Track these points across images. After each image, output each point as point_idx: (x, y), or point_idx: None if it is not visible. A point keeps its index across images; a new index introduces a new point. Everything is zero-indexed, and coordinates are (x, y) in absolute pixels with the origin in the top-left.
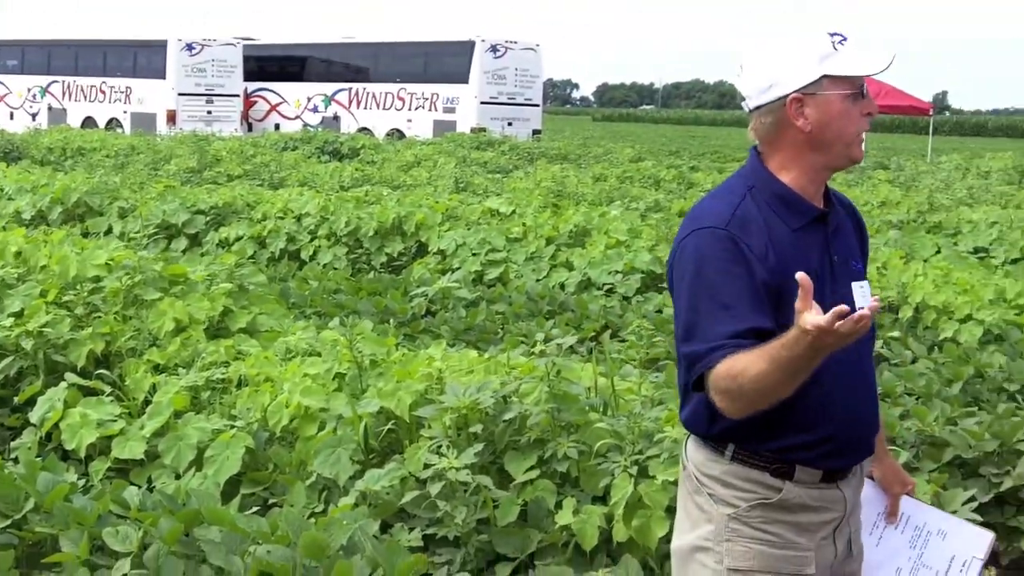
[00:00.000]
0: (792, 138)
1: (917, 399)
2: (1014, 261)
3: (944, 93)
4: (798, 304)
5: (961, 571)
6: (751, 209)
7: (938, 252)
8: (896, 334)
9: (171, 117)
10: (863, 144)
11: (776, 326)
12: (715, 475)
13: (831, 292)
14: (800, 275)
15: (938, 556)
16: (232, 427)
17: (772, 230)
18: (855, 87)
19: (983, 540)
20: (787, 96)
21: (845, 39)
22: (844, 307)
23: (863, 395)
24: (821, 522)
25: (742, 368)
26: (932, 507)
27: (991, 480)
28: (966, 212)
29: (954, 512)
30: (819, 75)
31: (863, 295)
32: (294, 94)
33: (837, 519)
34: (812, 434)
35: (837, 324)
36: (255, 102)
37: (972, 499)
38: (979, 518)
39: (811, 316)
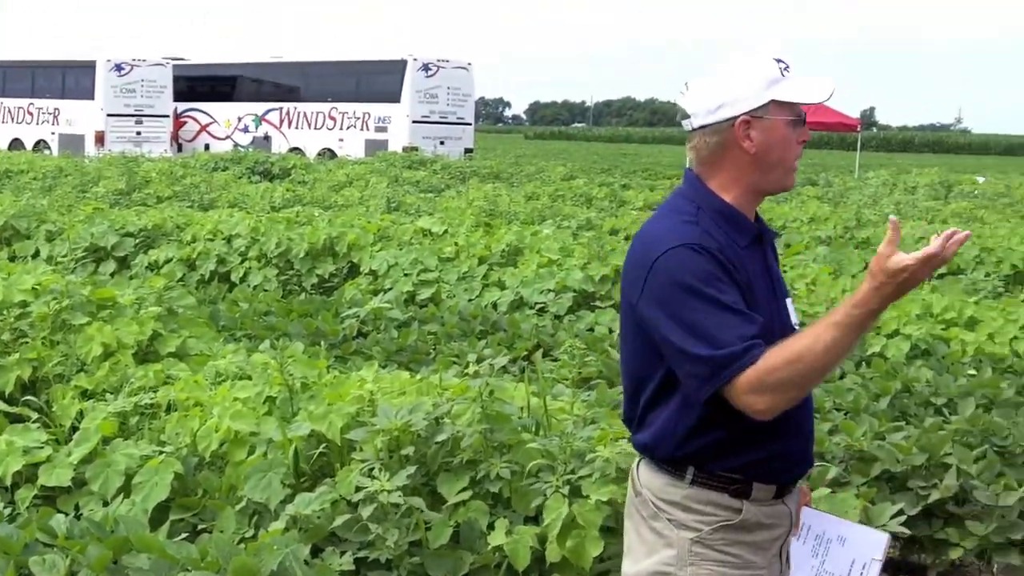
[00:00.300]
0: (736, 159)
1: (845, 414)
2: (939, 276)
3: (872, 109)
4: (885, 248)
5: (861, 573)
6: (709, 226)
7: (866, 268)
8: None
9: (100, 138)
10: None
11: None
12: (675, 500)
13: (776, 308)
14: (892, 217)
15: (839, 561)
16: (161, 452)
17: (728, 247)
18: (797, 114)
19: (880, 542)
20: (736, 117)
21: (788, 67)
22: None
23: (807, 408)
24: (772, 539)
25: (801, 350)
26: (829, 515)
27: (919, 493)
28: None
29: (883, 527)
30: (767, 99)
31: (793, 311)
32: (224, 114)
33: (784, 534)
34: (768, 450)
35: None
36: (185, 122)
37: (900, 512)
38: (908, 532)
39: (903, 255)
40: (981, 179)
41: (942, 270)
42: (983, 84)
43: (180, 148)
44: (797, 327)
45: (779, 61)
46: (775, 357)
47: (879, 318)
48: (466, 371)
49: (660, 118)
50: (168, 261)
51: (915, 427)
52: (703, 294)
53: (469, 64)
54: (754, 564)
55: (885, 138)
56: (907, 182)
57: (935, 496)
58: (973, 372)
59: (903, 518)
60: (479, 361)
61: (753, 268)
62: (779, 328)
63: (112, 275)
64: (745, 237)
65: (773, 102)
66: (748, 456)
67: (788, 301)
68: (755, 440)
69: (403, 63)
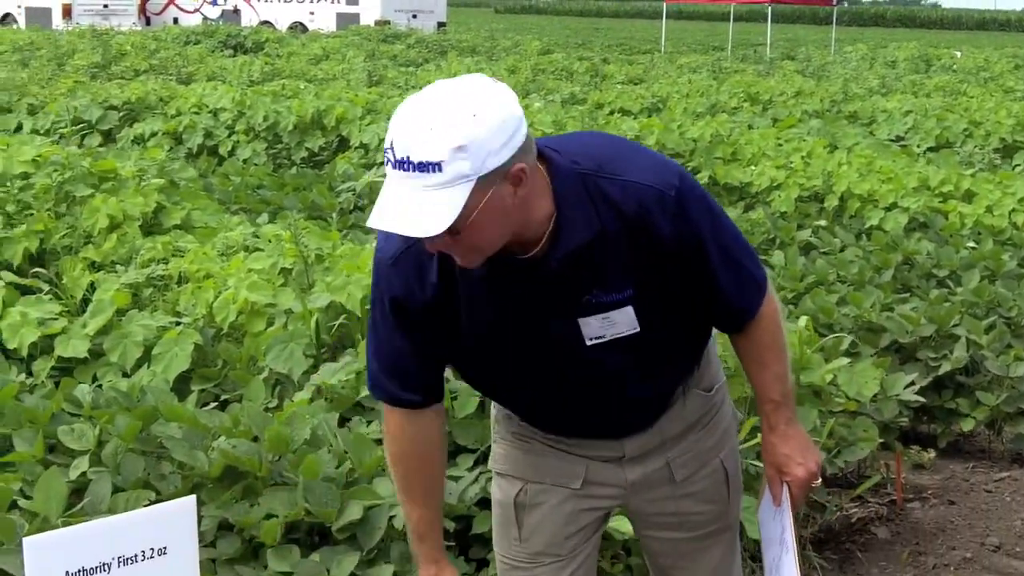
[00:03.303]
0: None
1: (850, 286)
2: (931, 149)
3: None
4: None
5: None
6: None
7: (858, 143)
8: (823, 223)
9: (67, 11)
10: (466, 259)
11: None
12: (494, 404)
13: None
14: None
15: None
16: (178, 324)
17: None
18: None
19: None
20: None
21: (406, 167)
22: None
23: (587, 416)
24: (594, 455)
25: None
26: (791, 517)
27: (929, 364)
28: (880, 101)
29: (896, 396)
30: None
31: (602, 326)
32: None
33: (616, 458)
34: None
35: None
36: None
37: (912, 384)
38: (921, 399)
39: None
40: (958, 53)
41: (931, 143)
42: None
43: (148, 22)
44: (596, 340)
45: (388, 140)
46: (389, 455)
47: None
48: None
49: None
50: (154, 135)
51: (920, 299)
52: (375, 311)
53: None
54: (562, 456)
55: (857, 13)
56: (886, 56)
57: (945, 367)
58: (973, 244)
59: (915, 388)
60: None
61: (485, 293)
62: (532, 355)
63: (99, 148)
64: (480, 268)
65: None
66: (523, 425)
67: (590, 319)
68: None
69: None
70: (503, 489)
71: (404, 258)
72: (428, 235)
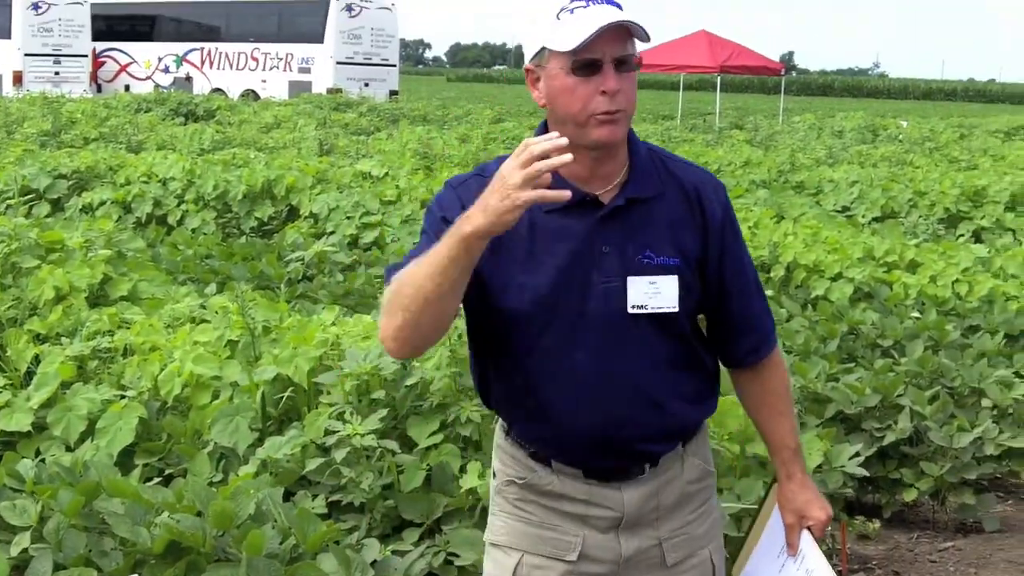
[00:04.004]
0: (548, 110)
1: (796, 356)
2: (876, 219)
3: (791, 53)
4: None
5: None
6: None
7: (804, 213)
8: (769, 292)
9: (17, 78)
10: (614, 124)
11: None
12: (498, 443)
13: (571, 278)
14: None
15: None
16: (123, 397)
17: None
18: (577, 61)
19: None
20: (525, 66)
21: (589, 2)
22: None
23: (611, 393)
24: (593, 516)
25: (412, 266)
26: (823, 556)
27: (873, 434)
28: (827, 171)
29: (841, 467)
30: (540, 46)
31: (647, 293)
32: (144, 54)
33: (614, 519)
34: (542, 428)
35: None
36: (104, 62)
37: (856, 454)
38: (864, 472)
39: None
40: (904, 123)
41: (877, 212)
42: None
43: (100, 89)
44: (637, 310)
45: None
46: (401, 273)
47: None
48: None
49: None
50: (103, 204)
51: (865, 369)
52: (423, 227)
53: (393, 4)
54: (558, 528)
55: (805, 82)
56: (833, 126)
57: (890, 437)
58: (918, 314)
59: (860, 459)
60: None
61: (547, 232)
62: (576, 303)
63: (47, 218)
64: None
65: (547, 48)
66: (529, 428)
67: (639, 280)
68: (529, 415)
69: (326, 3)
70: (499, 562)
71: (468, 184)
72: (638, 24)
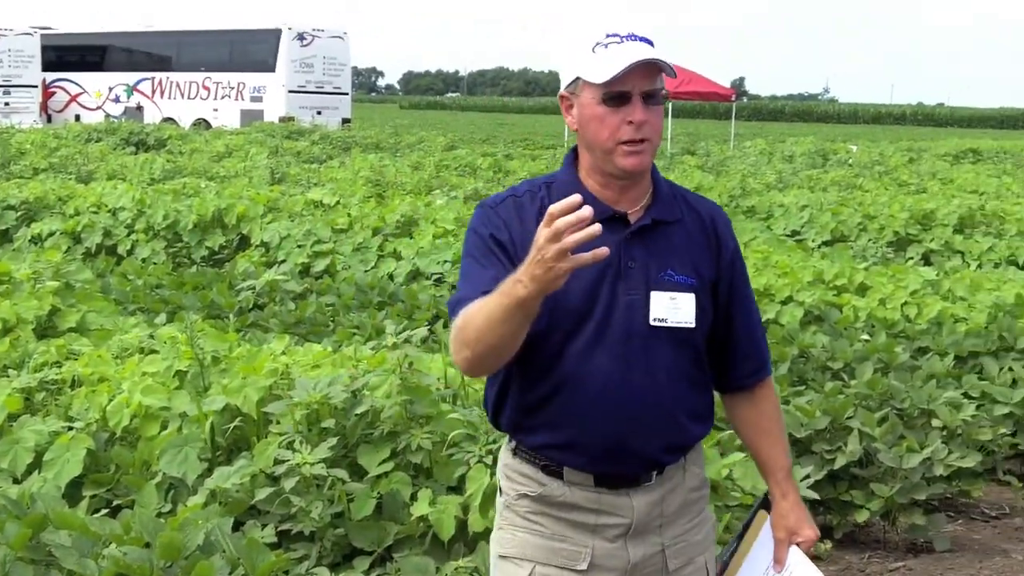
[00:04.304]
0: (578, 135)
1: None
2: (826, 243)
3: (742, 79)
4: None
5: None
6: (536, 197)
7: (755, 237)
8: None
9: None
10: (640, 154)
11: None
12: (504, 463)
13: (603, 296)
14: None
15: None
16: (70, 428)
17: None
18: (608, 93)
19: None
20: (560, 93)
21: (623, 39)
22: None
23: (630, 400)
24: (602, 524)
25: (475, 310)
26: (815, 568)
27: (824, 457)
28: (777, 196)
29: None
30: (574, 76)
31: (668, 307)
32: (95, 84)
33: (624, 526)
34: (564, 435)
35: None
36: (54, 92)
37: (807, 477)
38: (815, 495)
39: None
40: (854, 147)
41: (827, 236)
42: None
43: (50, 119)
44: (658, 322)
45: (611, 35)
46: (467, 312)
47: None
48: (382, 344)
49: (534, 88)
50: (52, 234)
51: (815, 391)
52: (467, 249)
53: (345, 33)
54: (569, 539)
55: (756, 107)
56: (783, 151)
57: (840, 460)
58: (867, 337)
59: (810, 481)
60: (380, 333)
61: (579, 246)
62: (601, 312)
63: None
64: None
65: (580, 79)
66: (545, 437)
67: (669, 296)
68: (544, 422)
69: (277, 32)
70: (509, 574)
71: (506, 204)
72: (664, 62)
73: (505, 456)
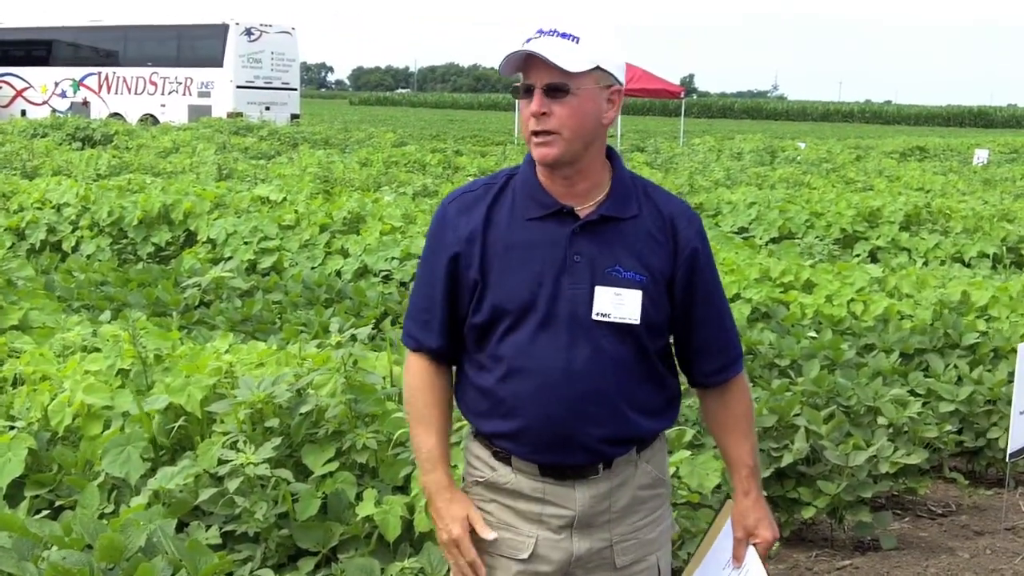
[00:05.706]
0: None
1: None
2: (774, 240)
3: (691, 76)
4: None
5: None
6: (491, 191)
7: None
8: None
9: None
10: (546, 145)
11: None
12: (465, 446)
13: (547, 286)
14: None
15: None
16: (11, 428)
17: (498, 214)
18: (516, 87)
19: None
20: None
21: (543, 34)
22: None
23: (571, 390)
24: (547, 515)
25: (409, 414)
26: (764, 571)
27: (771, 455)
28: (726, 193)
29: None
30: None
31: (612, 302)
32: (41, 79)
33: (568, 517)
34: (508, 423)
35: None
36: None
37: None
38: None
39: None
40: (802, 145)
41: (775, 234)
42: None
43: None
44: (601, 317)
45: (541, 31)
46: (409, 395)
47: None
48: (326, 342)
49: (484, 84)
50: None
51: (763, 389)
52: (423, 252)
53: (293, 29)
54: (514, 528)
55: (705, 104)
56: (732, 148)
57: (787, 458)
58: (814, 334)
59: None
60: (326, 331)
61: (526, 239)
62: (545, 304)
63: None
64: (536, 209)
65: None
66: (489, 425)
67: (613, 291)
68: (492, 411)
69: (224, 27)
70: None
71: (462, 199)
72: (558, 63)
73: (467, 439)
